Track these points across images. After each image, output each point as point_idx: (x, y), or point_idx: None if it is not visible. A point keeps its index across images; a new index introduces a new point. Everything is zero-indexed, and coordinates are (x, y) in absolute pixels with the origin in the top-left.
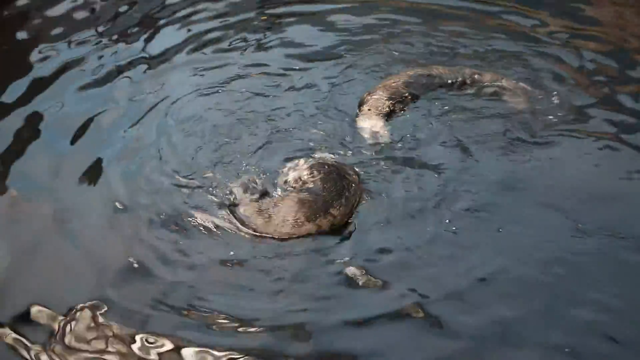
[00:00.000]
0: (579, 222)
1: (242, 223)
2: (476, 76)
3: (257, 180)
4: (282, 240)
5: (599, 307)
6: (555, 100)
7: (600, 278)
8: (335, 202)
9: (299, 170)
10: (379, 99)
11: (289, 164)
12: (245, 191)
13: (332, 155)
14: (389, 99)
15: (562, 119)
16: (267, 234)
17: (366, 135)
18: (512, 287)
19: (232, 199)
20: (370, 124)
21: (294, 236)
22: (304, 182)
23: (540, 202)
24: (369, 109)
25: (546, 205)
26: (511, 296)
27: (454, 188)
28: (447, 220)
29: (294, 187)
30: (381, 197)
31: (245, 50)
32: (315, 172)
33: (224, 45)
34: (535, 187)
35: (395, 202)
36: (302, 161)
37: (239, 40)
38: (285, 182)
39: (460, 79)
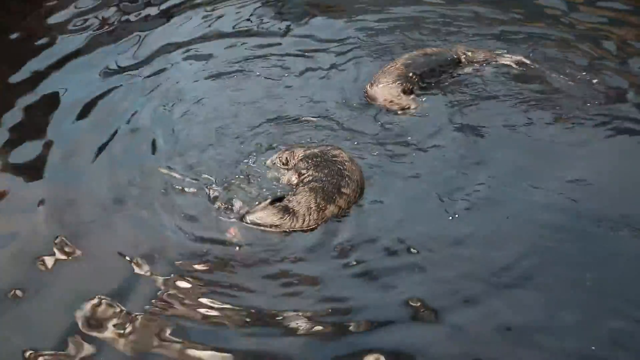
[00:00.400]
0: (608, 219)
1: (266, 226)
2: (469, 54)
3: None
4: (310, 230)
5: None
6: (595, 82)
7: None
8: (342, 181)
9: (287, 176)
10: (386, 86)
11: (274, 162)
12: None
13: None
14: (395, 81)
15: (600, 104)
16: (296, 229)
17: (401, 111)
18: (532, 293)
19: (238, 210)
20: (398, 103)
21: (322, 222)
22: (297, 185)
23: (563, 197)
24: (391, 100)
25: (569, 201)
26: (532, 303)
27: (470, 178)
28: (457, 215)
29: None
30: (388, 191)
31: (255, 30)
32: (304, 171)
33: (232, 26)
34: (559, 179)
35: (404, 196)
36: (284, 156)
37: (248, 20)
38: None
39: (455, 56)
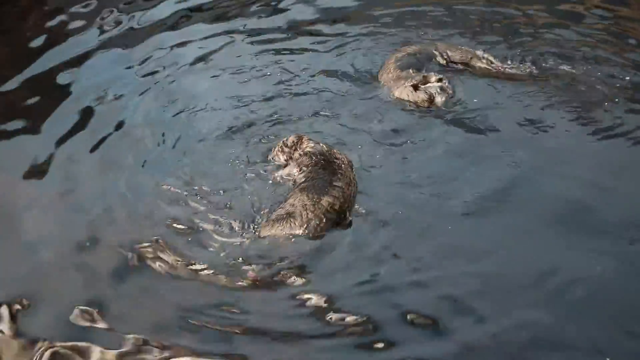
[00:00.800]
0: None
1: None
2: (449, 52)
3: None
4: (316, 235)
5: None
6: (627, 79)
7: None
8: (333, 177)
9: (287, 170)
10: (402, 91)
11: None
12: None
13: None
14: (404, 82)
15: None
16: (301, 233)
17: (429, 104)
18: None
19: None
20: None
21: (323, 217)
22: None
23: (589, 208)
24: (415, 101)
25: (597, 213)
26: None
27: (479, 183)
28: (464, 225)
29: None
30: (389, 199)
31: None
32: (305, 168)
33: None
34: (583, 186)
35: (407, 204)
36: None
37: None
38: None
39: (436, 53)
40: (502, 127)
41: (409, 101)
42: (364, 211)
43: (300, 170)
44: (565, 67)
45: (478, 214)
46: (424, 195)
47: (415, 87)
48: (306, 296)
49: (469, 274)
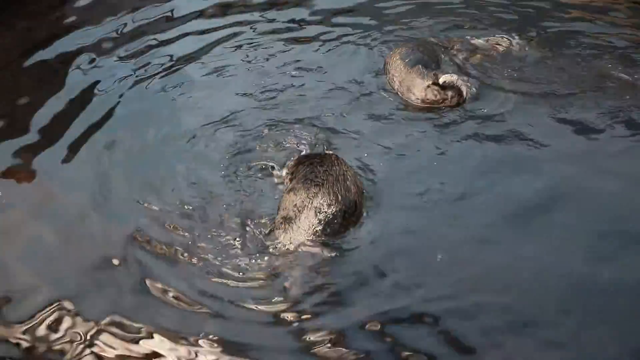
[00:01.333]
0: None
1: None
2: (445, 41)
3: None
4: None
5: None
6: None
7: None
8: (311, 174)
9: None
10: (429, 91)
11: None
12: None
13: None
14: (425, 79)
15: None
16: (303, 235)
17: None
18: None
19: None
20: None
21: (312, 206)
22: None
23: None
24: (442, 100)
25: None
26: None
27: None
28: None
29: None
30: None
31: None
32: (292, 162)
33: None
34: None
35: (412, 225)
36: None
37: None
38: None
39: (436, 45)
40: (526, 136)
41: (434, 101)
42: (367, 233)
43: (290, 170)
44: (596, 62)
45: (495, 240)
46: (435, 216)
47: (436, 84)
48: (304, 328)
49: (482, 307)
